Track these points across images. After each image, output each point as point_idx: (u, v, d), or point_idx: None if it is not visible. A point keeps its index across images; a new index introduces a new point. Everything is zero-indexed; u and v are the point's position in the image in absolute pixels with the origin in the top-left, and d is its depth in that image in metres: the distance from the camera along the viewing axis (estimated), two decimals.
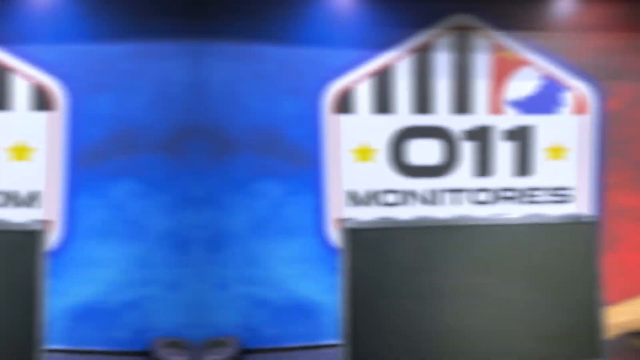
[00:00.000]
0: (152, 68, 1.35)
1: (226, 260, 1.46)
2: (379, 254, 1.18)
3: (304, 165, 1.47)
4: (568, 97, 1.53)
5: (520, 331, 1.20)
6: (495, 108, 1.52)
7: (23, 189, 1.31)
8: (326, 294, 1.45)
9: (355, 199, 1.47)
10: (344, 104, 1.46)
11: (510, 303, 1.19)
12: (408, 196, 1.49)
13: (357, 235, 1.16)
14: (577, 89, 1.53)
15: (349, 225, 1.13)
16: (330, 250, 1.47)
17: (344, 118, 1.47)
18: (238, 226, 1.45)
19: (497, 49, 1.49)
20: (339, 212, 1.49)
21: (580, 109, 1.53)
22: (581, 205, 1.56)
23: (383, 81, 1.47)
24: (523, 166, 1.53)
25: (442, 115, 1.50)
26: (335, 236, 1.47)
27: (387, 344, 1.16)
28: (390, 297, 1.17)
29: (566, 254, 1.21)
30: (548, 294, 1.21)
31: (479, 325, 1.19)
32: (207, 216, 1.42)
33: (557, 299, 1.20)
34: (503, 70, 1.52)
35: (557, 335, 1.19)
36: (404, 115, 1.49)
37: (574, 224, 1.21)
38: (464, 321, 1.18)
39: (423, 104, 1.50)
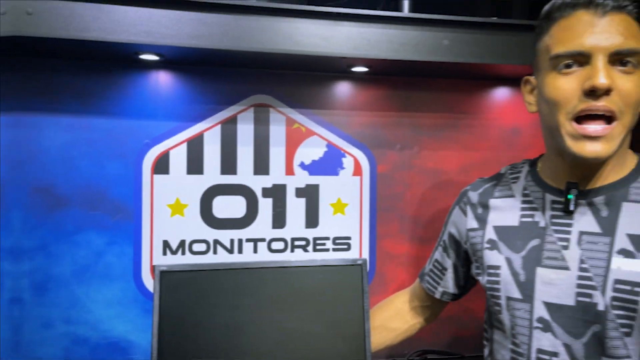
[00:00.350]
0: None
1: (52, 302, 1.59)
2: (186, 293, 1.32)
3: (124, 218, 1.63)
4: (347, 162, 1.75)
5: (302, 356, 1.36)
6: (289, 170, 1.72)
7: None
8: (140, 332, 1.64)
9: (169, 248, 1.66)
10: (162, 166, 1.66)
11: (296, 333, 1.36)
12: (216, 245, 1.68)
13: (166, 276, 1.31)
14: (354, 155, 1.76)
15: (159, 268, 1.29)
16: (145, 294, 1.64)
17: (161, 177, 1.65)
18: (63, 272, 1.60)
19: (289, 122, 1.71)
20: (154, 260, 1.65)
21: (356, 171, 1.76)
22: (360, 251, 1.76)
23: (196, 147, 1.66)
24: (312, 218, 1.74)
25: (245, 176, 1.69)
26: (149, 281, 1.64)
27: None
28: (195, 330, 1.31)
29: (341, 291, 1.39)
30: (326, 325, 1.38)
31: (272, 352, 1.35)
32: (37, 263, 1.59)
33: (333, 329, 1.38)
34: (294, 139, 1.72)
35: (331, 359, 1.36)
36: (213, 175, 1.68)
37: (346, 266, 1.39)
38: (259, 349, 1.34)
39: (229, 166, 1.69)
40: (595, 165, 0.98)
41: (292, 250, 1.73)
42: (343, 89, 1.76)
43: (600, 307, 0.95)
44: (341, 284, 1.39)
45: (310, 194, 1.75)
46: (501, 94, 1.87)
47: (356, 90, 1.77)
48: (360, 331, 1.38)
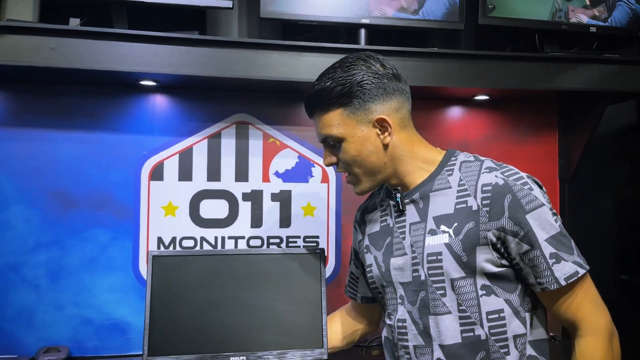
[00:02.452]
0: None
1: (63, 288, 1.93)
2: (174, 274, 1.62)
3: (125, 218, 1.95)
4: (315, 171, 2.06)
5: (271, 328, 1.63)
6: (265, 177, 2.02)
7: None
8: (137, 315, 1.92)
9: (162, 243, 1.98)
10: (158, 174, 1.96)
11: (265, 309, 1.63)
12: (202, 241, 2.00)
13: (158, 260, 1.63)
14: (322, 165, 2.03)
15: (152, 253, 1.62)
16: (142, 282, 1.94)
17: (157, 184, 1.97)
18: (74, 263, 1.94)
19: (266, 137, 2.03)
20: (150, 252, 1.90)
21: (324, 179, 2.07)
22: (327, 249, 2.04)
23: (186, 158, 1.98)
24: (285, 219, 2.03)
25: (228, 182, 1.99)
26: (146, 271, 1.94)
27: (178, 338, 1.59)
28: (181, 304, 1.61)
29: (303, 275, 1.67)
30: (290, 302, 1.65)
31: (243, 324, 1.62)
32: (52, 255, 1.94)
33: (295, 306, 1.65)
34: (270, 151, 2.03)
35: (295, 332, 1.64)
36: (200, 182, 1.99)
37: (308, 254, 1.70)
38: (233, 321, 1.61)
39: (214, 174, 1.99)
40: (399, 174, 1.32)
41: (267, 247, 2.04)
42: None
43: (422, 277, 1.24)
44: (303, 269, 1.69)
45: (283, 198, 2.06)
46: (451, 112, 2.24)
47: None
48: (318, 309, 1.66)
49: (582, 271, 1.16)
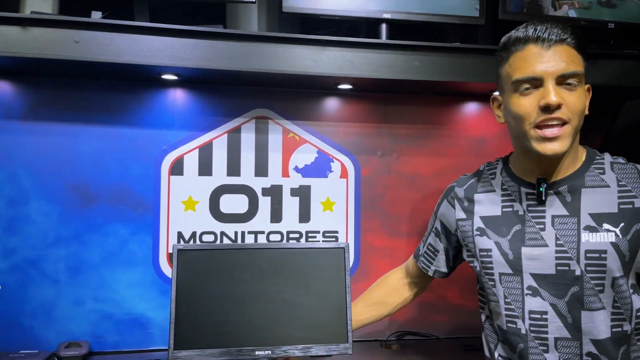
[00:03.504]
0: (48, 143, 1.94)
1: (83, 283, 1.95)
2: (198, 268, 1.62)
3: (145, 212, 1.97)
4: (335, 166, 2.08)
5: (294, 322, 1.63)
6: (285, 172, 2.04)
7: None
8: (157, 310, 1.97)
9: (182, 238, 2.00)
10: (178, 168, 1.98)
11: (288, 303, 1.64)
12: (222, 236, 2.02)
13: (183, 254, 1.63)
14: (341, 160, 2.09)
15: (177, 247, 1.63)
16: (162, 277, 1.98)
17: (177, 178, 1.99)
18: (94, 258, 1.96)
19: (285, 132, 2.05)
20: (170, 248, 1.97)
21: (343, 174, 2.08)
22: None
23: (206, 152, 1.99)
24: (304, 214, 2.05)
25: (248, 177, 2.02)
26: (166, 267, 1.98)
27: (203, 332, 1.59)
28: (204, 297, 1.61)
29: (327, 270, 1.68)
30: (314, 297, 1.65)
31: (267, 318, 1.62)
32: (72, 250, 1.95)
33: (319, 301, 1.65)
34: (290, 146, 2.05)
35: (319, 326, 1.65)
36: (220, 177, 2.00)
37: (332, 249, 1.70)
38: (257, 315, 1.62)
39: (234, 169, 2.01)
40: (555, 161, 1.26)
41: (287, 242, 2.07)
42: (331, 104, 2.13)
43: (577, 273, 1.25)
44: (327, 264, 1.70)
45: (303, 193, 2.09)
46: (469, 107, 2.27)
47: (342, 105, 2.14)
48: (342, 303, 1.67)
49: None
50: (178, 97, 2.02)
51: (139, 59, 1.73)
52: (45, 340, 1.93)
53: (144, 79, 1.98)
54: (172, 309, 1.61)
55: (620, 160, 1.32)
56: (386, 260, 2.17)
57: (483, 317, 1.50)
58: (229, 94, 2.06)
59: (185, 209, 2.01)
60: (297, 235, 2.10)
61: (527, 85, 1.22)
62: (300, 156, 2.10)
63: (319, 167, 2.11)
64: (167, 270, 2.01)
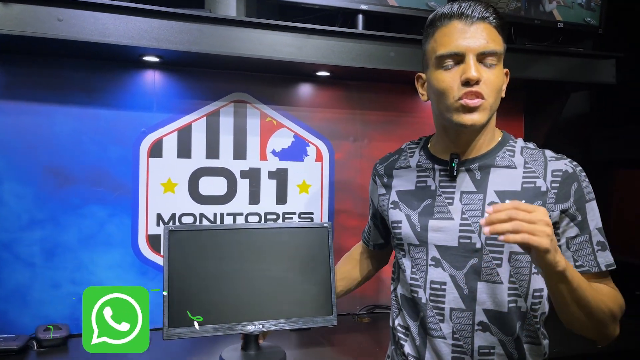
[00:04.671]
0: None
1: (59, 265, 1.93)
2: (189, 247, 1.65)
3: (123, 194, 1.98)
4: (310, 150, 2.16)
5: (282, 298, 1.69)
6: (263, 156, 2.10)
7: None
8: None
9: (162, 220, 2.03)
10: (157, 150, 2.00)
11: (276, 280, 1.69)
12: (201, 217, 2.06)
13: (174, 234, 1.66)
14: (316, 144, 2.18)
15: (168, 228, 1.64)
16: (141, 259, 2.00)
17: (156, 160, 2.01)
18: (70, 240, 1.95)
19: (263, 116, 2.12)
20: (149, 230, 2.01)
21: (318, 158, 2.18)
22: None
23: (185, 135, 2.03)
24: (281, 196, 2.13)
25: (226, 160, 2.06)
26: (145, 248, 2.01)
27: (196, 309, 1.62)
28: (195, 275, 1.63)
29: (311, 247, 1.74)
30: (300, 273, 1.71)
31: (257, 294, 1.67)
32: (47, 232, 1.93)
33: (305, 276, 1.72)
34: (267, 130, 2.11)
35: (306, 300, 1.71)
36: (199, 159, 2.04)
37: (316, 228, 1.78)
38: (247, 292, 1.66)
39: (213, 151, 2.05)
40: (471, 137, 1.30)
41: (279, 222, 2.15)
42: (308, 90, 2.22)
43: (478, 246, 1.28)
44: (312, 242, 1.77)
45: (280, 176, 2.16)
46: None
47: (318, 91, 2.22)
48: (327, 279, 1.75)
49: (614, 265, 1.29)
50: (157, 79, 2.03)
51: (125, 39, 1.72)
52: (20, 325, 1.89)
53: (123, 60, 1.97)
54: (165, 288, 1.64)
55: (531, 145, 1.37)
56: (357, 238, 2.12)
57: (392, 287, 1.52)
58: (208, 78, 2.08)
59: (164, 191, 2.04)
60: (274, 217, 2.16)
61: (449, 61, 1.25)
62: (278, 140, 2.16)
63: (296, 151, 2.18)
64: (147, 252, 2.03)
